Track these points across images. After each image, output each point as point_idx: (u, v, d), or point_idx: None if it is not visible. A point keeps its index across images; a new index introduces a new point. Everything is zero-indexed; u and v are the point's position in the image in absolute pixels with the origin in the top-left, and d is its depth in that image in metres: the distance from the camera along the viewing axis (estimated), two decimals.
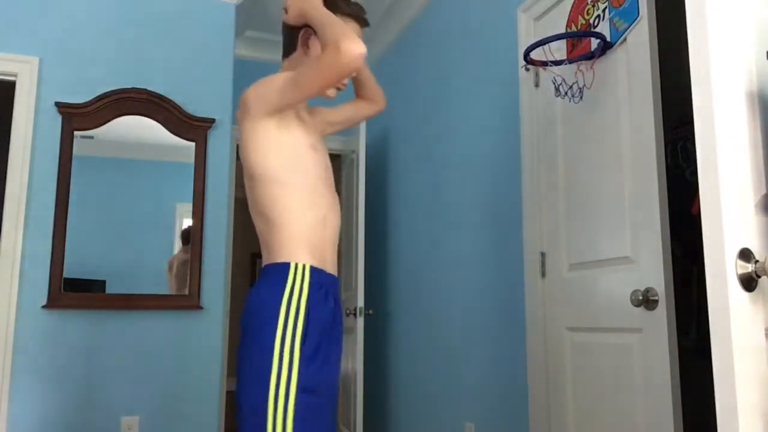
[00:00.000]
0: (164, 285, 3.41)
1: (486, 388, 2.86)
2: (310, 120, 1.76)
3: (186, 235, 3.45)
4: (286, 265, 1.54)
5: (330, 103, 1.81)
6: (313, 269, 1.56)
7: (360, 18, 1.70)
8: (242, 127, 1.60)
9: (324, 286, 1.57)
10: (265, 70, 4.78)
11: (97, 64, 3.42)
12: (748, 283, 1.02)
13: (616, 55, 2.18)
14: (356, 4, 1.72)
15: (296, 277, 1.53)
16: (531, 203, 2.58)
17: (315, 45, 1.66)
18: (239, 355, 1.53)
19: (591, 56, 2.22)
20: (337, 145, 4.33)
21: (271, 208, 1.58)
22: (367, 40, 4.54)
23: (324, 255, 1.60)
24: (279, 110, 1.56)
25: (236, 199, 4.16)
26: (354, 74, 1.76)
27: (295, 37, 1.71)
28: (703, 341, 2.67)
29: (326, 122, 1.87)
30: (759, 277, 1.02)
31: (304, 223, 1.58)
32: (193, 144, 3.49)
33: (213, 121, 3.53)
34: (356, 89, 1.96)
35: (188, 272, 3.37)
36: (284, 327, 1.48)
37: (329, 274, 1.61)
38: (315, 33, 1.63)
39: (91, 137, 3.38)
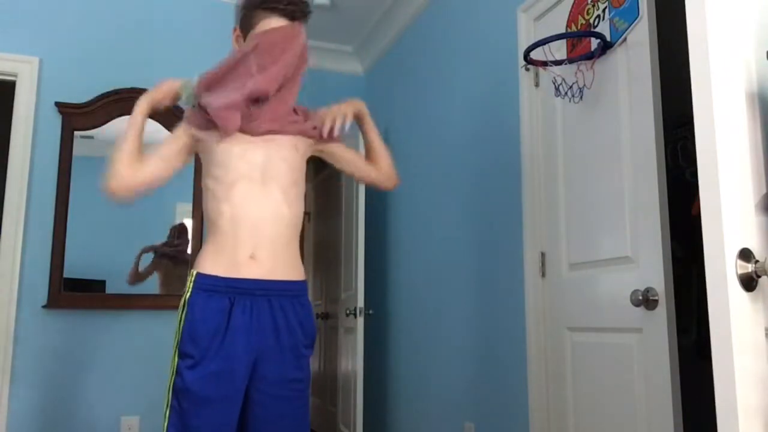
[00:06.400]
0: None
1: (486, 387, 2.86)
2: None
3: (176, 231, 3.45)
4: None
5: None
6: (199, 275, 1.63)
7: (280, 9, 1.69)
8: None
9: (213, 291, 1.60)
10: None
11: (97, 64, 3.42)
12: (748, 283, 1.02)
13: (616, 55, 2.18)
14: None
15: (187, 285, 1.65)
16: (531, 203, 2.58)
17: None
18: None
19: (591, 56, 2.22)
20: None
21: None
22: (367, 41, 4.54)
23: (235, 258, 1.62)
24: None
25: None
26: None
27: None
28: (703, 341, 2.67)
29: (319, 149, 1.86)
30: (759, 277, 1.02)
31: (212, 229, 1.68)
32: None
33: None
34: (366, 151, 1.94)
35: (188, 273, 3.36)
36: (175, 333, 1.64)
37: (233, 279, 1.61)
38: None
39: (91, 137, 3.38)
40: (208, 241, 1.68)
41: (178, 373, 1.57)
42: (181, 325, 1.60)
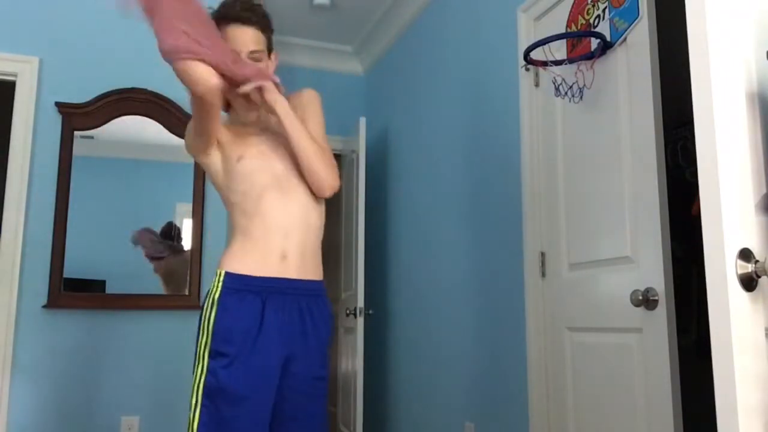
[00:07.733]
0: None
1: (486, 387, 2.86)
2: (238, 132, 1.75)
3: (167, 233, 3.43)
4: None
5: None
6: (228, 274, 1.61)
7: (227, 17, 1.72)
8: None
9: (245, 290, 1.60)
10: None
11: (97, 64, 3.42)
12: (748, 283, 1.02)
13: (616, 55, 2.18)
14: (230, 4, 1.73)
15: (213, 284, 1.63)
16: (531, 203, 2.58)
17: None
18: None
19: (591, 56, 2.22)
20: (337, 145, 4.33)
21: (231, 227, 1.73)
22: (367, 41, 4.54)
23: (265, 259, 1.63)
24: (202, 151, 1.71)
25: None
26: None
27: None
28: (703, 341, 2.67)
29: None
30: (759, 277, 1.02)
31: (240, 235, 1.67)
32: None
33: None
34: None
35: (188, 273, 3.37)
36: (199, 331, 1.60)
37: (264, 278, 1.62)
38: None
39: (91, 137, 3.37)
40: (236, 242, 1.68)
41: (212, 372, 1.55)
42: (211, 325, 1.58)
